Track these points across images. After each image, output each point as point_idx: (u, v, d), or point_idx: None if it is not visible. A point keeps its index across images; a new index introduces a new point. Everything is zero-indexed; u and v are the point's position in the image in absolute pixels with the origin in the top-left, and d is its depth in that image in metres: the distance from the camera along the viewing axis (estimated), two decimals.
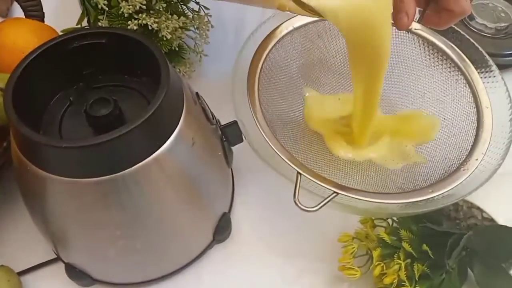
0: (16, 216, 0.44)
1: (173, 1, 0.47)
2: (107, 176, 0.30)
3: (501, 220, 0.38)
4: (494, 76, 0.43)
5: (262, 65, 0.43)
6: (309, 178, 0.35)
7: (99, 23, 0.46)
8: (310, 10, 0.33)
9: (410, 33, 0.46)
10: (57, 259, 0.41)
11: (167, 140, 0.32)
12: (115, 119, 0.32)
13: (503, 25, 0.55)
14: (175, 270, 0.41)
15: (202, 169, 0.37)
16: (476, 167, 0.38)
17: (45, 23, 0.49)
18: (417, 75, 0.46)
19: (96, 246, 0.36)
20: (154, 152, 0.31)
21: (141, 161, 0.31)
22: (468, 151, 0.40)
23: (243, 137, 0.41)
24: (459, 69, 0.44)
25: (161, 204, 0.34)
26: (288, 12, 0.34)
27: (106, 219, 0.33)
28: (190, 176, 0.36)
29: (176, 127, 0.33)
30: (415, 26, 0.45)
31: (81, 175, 0.30)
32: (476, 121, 0.41)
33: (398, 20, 0.43)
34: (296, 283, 0.42)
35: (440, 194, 0.36)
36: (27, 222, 0.38)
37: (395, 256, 0.37)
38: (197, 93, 0.38)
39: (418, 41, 0.46)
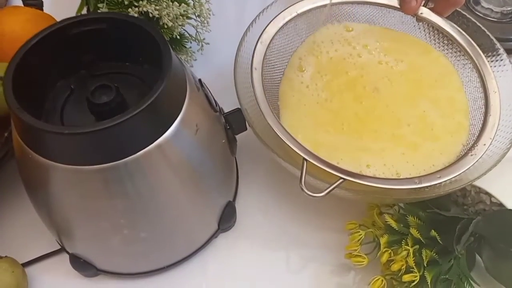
0: (20, 207, 0.43)
1: None
2: (110, 163, 0.30)
3: (509, 205, 0.37)
4: (502, 60, 0.43)
5: (266, 52, 0.42)
6: (316, 164, 0.34)
7: (98, 11, 0.45)
8: None
9: (416, 17, 0.45)
10: (61, 250, 0.41)
11: (170, 126, 0.31)
12: (117, 106, 0.32)
13: (509, 9, 0.54)
14: (180, 259, 0.40)
15: (206, 157, 0.37)
16: (484, 152, 0.37)
17: (44, 12, 0.48)
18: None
19: (100, 235, 0.35)
20: (157, 139, 0.31)
21: (144, 148, 0.30)
22: (476, 136, 0.39)
23: (246, 125, 0.40)
24: (466, 53, 0.43)
25: (165, 192, 0.34)
26: None
27: (109, 207, 0.33)
28: (193, 163, 0.35)
29: (179, 113, 0.32)
30: (421, 10, 0.45)
31: (84, 162, 0.30)
32: (484, 106, 0.41)
33: (406, 3, 0.42)
34: (302, 272, 0.42)
35: (448, 180, 0.36)
36: (31, 213, 0.37)
37: (402, 242, 0.36)
38: (200, 79, 0.38)
39: (425, 26, 0.45)
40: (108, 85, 0.32)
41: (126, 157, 0.30)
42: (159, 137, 0.31)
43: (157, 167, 0.32)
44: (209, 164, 0.37)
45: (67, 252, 0.39)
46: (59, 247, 0.41)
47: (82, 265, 0.39)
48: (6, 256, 0.40)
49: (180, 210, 0.36)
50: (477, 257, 0.38)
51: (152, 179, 0.33)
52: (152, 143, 0.31)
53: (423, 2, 0.44)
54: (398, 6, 0.45)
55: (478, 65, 0.43)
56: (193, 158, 0.35)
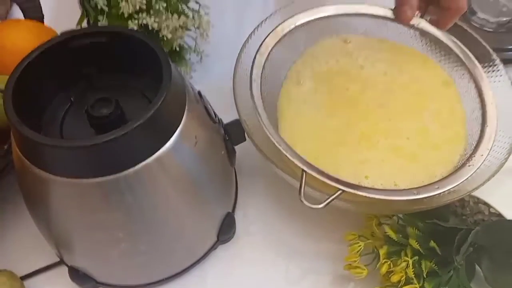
0: (19, 219, 0.43)
1: (173, 1, 0.47)
2: (109, 176, 0.30)
3: (508, 215, 0.37)
4: (498, 70, 0.43)
5: (265, 63, 0.42)
6: (315, 175, 0.34)
7: (99, 23, 0.46)
8: None
9: (413, 29, 0.45)
10: (60, 262, 0.40)
11: (169, 139, 0.32)
12: (117, 119, 0.32)
13: (504, 19, 0.55)
14: (179, 271, 0.40)
15: (205, 168, 0.37)
16: (482, 163, 0.37)
17: (45, 24, 0.49)
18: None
19: (99, 248, 0.35)
20: (156, 152, 0.31)
21: (143, 161, 0.31)
22: (473, 146, 0.39)
23: (245, 136, 0.40)
24: (463, 64, 0.44)
25: (164, 204, 0.34)
26: None
27: (108, 220, 0.33)
28: (193, 175, 0.35)
29: (179, 126, 0.32)
30: (417, 21, 0.45)
31: (83, 175, 0.30)
32: (481, 117, 0.41)
33: (402, 12, 0.43)
34: (301, 283, 0.41)
35: (446, 190, 0.36)
36: (30, 226, 0.37)
37: (402, 253, 0.36)
38: (199, 91, 0.38)
39: (421, 37, 0.46)
40: (108, 98, 0.32)
41: (125, 170, 0.30)
42: (158, 150, 0.31)
43: (157, 179, 0.32)
44: (208, 175, 0.37)
45: (66, 265, 0.39)
46: (58, 259, 0.41)
47: (81, 278, 0.38)
48: (4, 270, 0.39)
49: (179, 222, 0.36)
50: (477, 267, 0.38)
51: (151, 192, 0.33)
52: (151, 156, 0.31)
53: (420, 13, 0.45)
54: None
55: (475, 76, 0.43)
56: (193, 170, 0.35)
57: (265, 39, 0.43)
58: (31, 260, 0.42)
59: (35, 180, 0.32)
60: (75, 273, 0.38)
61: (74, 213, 0.33)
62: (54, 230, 0.36)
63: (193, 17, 0.49)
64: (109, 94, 0.32)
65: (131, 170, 0.30)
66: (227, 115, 0.41)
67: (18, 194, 0.36)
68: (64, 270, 0.39)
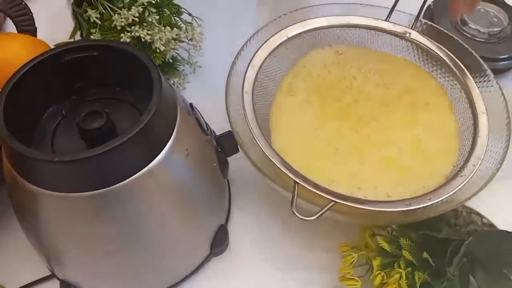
0: (10, 233, 0.43)
1: (166, 13, 0.47)
2: (100, 190, 0.30)
3: (500, 225, 0.37)
4: (489, 81, 0.43)
5: (257, 75, 0.43)
6: (307, 187, 0.34)
7: (91, 36, 0.46)
8: None
9: (404, 40, 0.46)
10: (52, 276, 0.40)
11: (160, 152, 0.31)
12: (108, 132, 0.32)
13: (495, 30, 0.55)
14: (172, 284, 0.40)
15: (197, 180, 0.37)
16: (474, 173, 0.38)
17: (38, 37, 0.49)
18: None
19: (90, 261, 0.35)
20: (147, 165, 0.31)
21: (134, 174, 0.30)
22: (465, 157, 0.39)
23: (238, 147, 0.40)
24: (455, 74, 0.44)
25: (156, 217, 0.34)
26: None
27: (100, 234, 0.33)
28: (185, 188, 0.35)
29: (170, 138, 0.32)
30: (409, 32, 0.46)
31: (74, 189, 0.30)
32: (472, 127, 0.41)
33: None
34: None
35: (438, 201, 0.36)
36: (21, 239, 0.37)
37: (395, 265, 0.36)
38: (191, 104, 0.38)
39: (413, 48, 0.46)
40: (99, 111, 0.32)
41: (116, 184, 0.30)
42: (150, 163, 0.31)
43: (148, 192, 0.32)
44: (200, 187, 0.37)
45: (58, 278, 0.39)
46: (50, 273, 0.40)
47: None
48: None
49: (171, 235, 0.36)
50: (471, 278, 0.38)
51: (143, 205, 0.33)
52: (142, 169, 0.31)
53: (410, 25, 0.45)
54: (387, 29, 0.46)
55: (466, 86, 0.43)
56: (185, 182, 0.35)
57: (257, 50, 0.44)
58: (22, 274, 0.41)
59: (26, 194, 0.31)
60: (67, 287, 0.38)
61: (66, 227, 0.33)
62: (45, 244, 0.35)
63: (186, 29, 0.49)
64: (100, 107, 0.32)
65: (123, 183, 0.30)
66: (220, 126, 0.41)
67: (9, 207, 0.35)
68: (55, 283, 0.39)
